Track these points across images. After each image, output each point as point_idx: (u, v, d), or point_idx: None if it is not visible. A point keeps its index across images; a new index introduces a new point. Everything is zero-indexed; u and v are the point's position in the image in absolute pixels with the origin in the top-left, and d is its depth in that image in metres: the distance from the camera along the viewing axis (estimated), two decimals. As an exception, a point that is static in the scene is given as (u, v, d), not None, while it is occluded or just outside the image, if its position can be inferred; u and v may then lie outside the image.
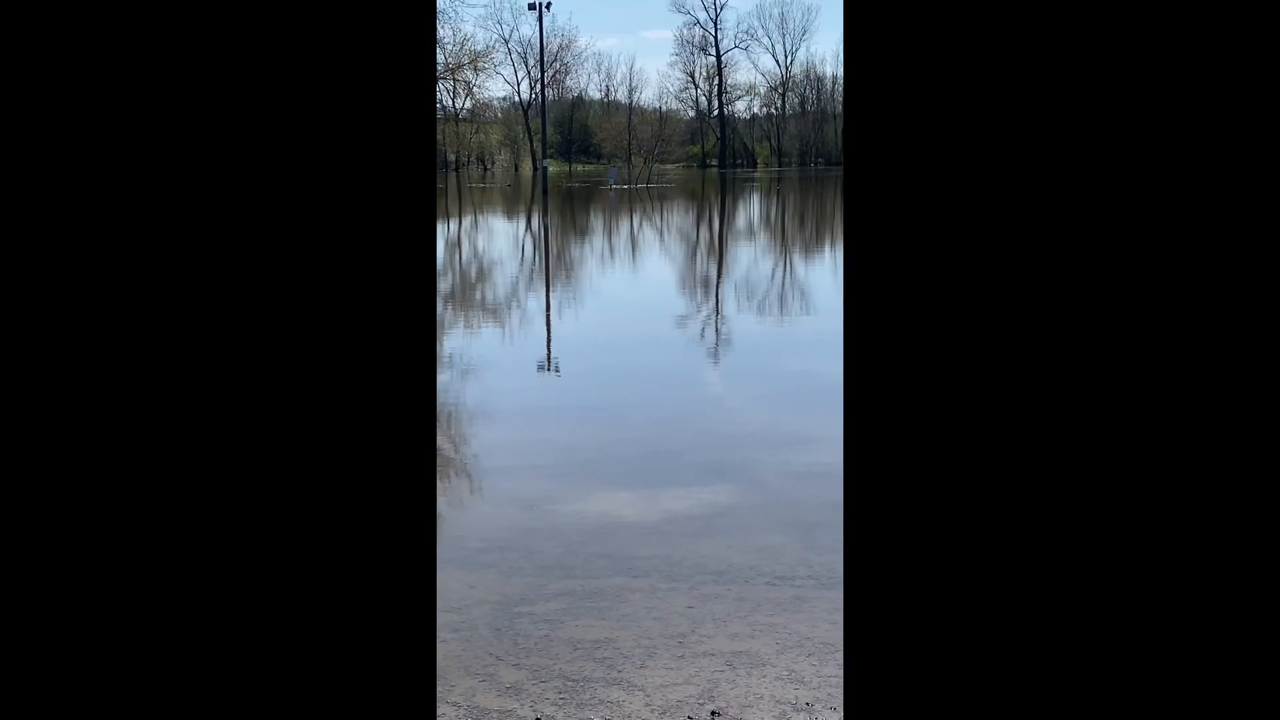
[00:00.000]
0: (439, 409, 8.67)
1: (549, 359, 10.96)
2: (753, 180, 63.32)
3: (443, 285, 17.90)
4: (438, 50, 61.08)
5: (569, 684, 3.74)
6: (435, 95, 1.80)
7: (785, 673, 3.81)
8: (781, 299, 15.64)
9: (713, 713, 3.54)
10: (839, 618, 4.31)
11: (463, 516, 5.80)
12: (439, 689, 3.75)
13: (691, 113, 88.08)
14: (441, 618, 4.33)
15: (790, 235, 27.98)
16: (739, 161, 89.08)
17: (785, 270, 19.41)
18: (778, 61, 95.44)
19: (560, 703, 3.61)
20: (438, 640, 4.11)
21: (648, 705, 3.59)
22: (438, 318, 14.01)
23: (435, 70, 1.79)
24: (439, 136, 58.87)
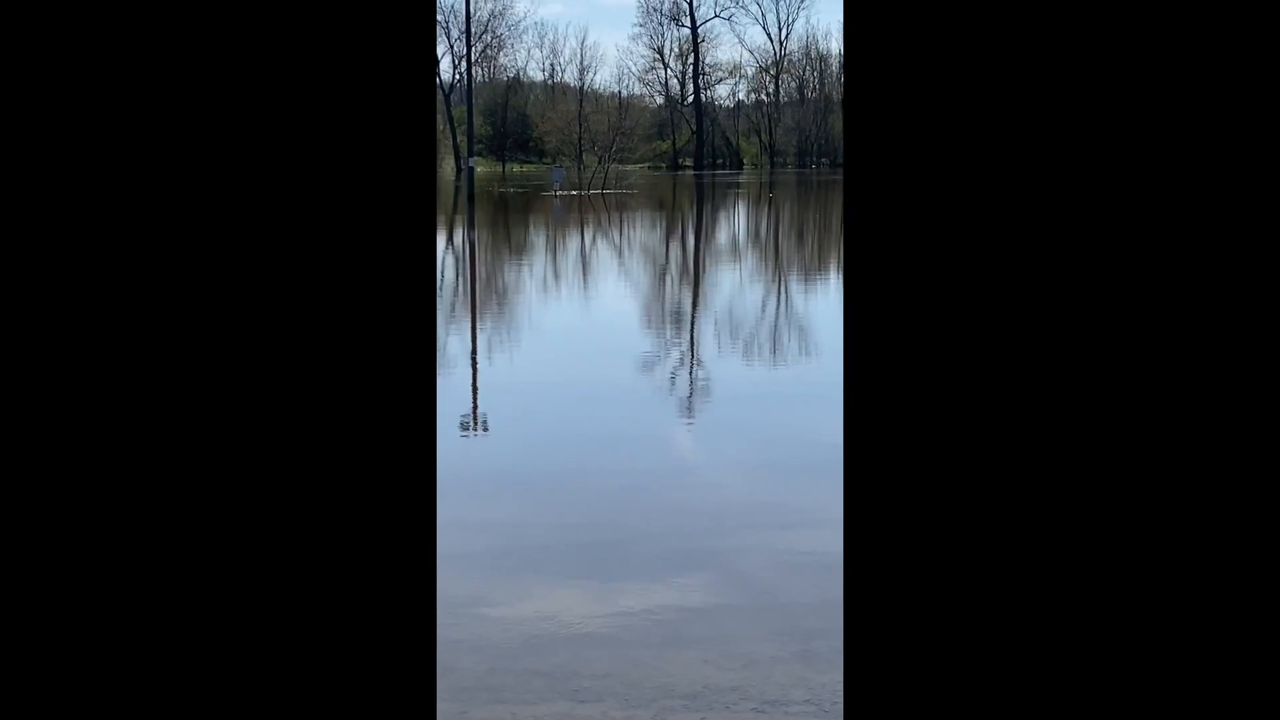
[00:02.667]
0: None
1: (474, 414, 10.96)
2: (738, 186, 63.98)
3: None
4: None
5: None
6: (435, 92, 2.25)
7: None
8: (774, 340, 15.75)
9: None
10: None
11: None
12: None
13: (660, 99, 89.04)
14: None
15: (786, 259, 28.24)
16: (720, 161, 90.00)
17: (779, 303, 19.57)
18: (769, 35, 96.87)
19: None
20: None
21: None
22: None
23: (435, 67, 2.17)
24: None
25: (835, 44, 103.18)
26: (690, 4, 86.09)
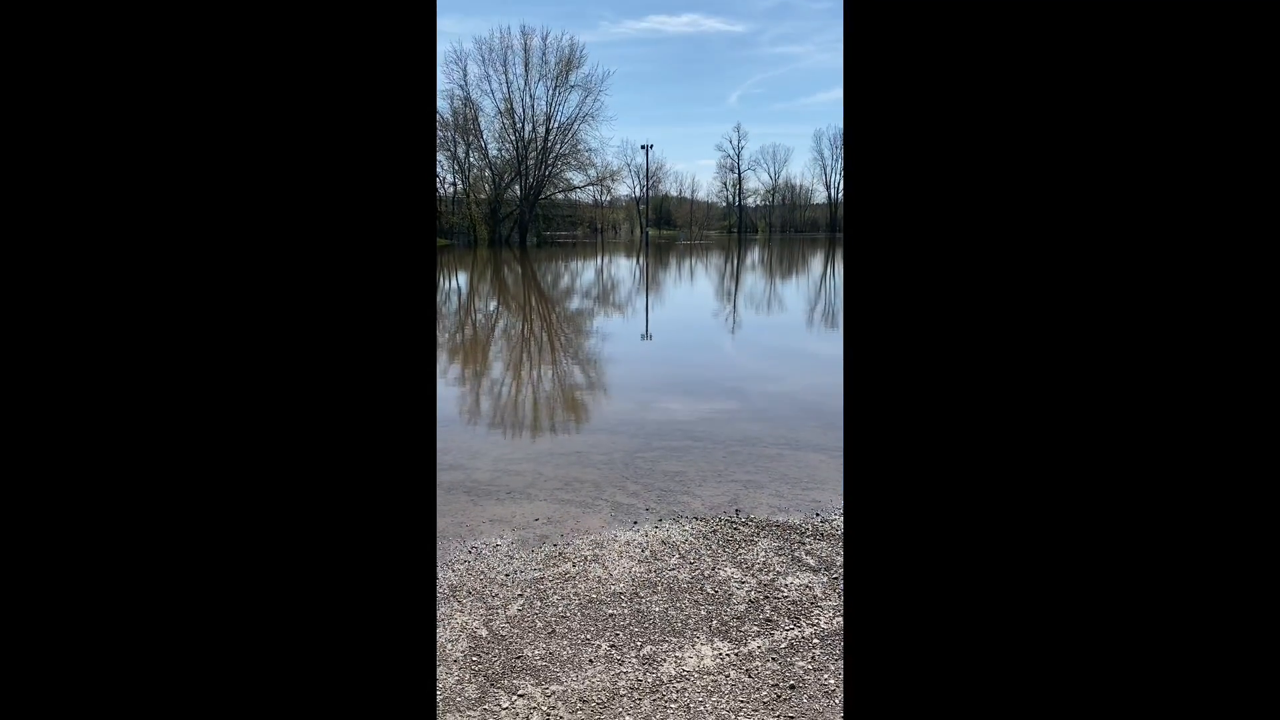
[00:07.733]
0: (597, 354, 8.37)
1: (646, 331, 10.90)
2: (754, 239, 62.03)
3: (592, 292, 17.81)
4: (594, 167, 44.31)
5: (661, 493, 3.86)
6: (435, 101, 1.09)
7: (773, 494, 3.87)
8: (770, 308, 14.63)
9: (736, 510, 3.65)
10: (817, 468, 4.26)
11: (606, 417, 5.85)
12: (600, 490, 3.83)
13: (724, 203, 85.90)
14: (596, 455, 4.50)
15: (779, 268, 27.21)
16: (748, 230, 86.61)
17: (769, 293, 18.72)
18: (770, 175, 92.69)
19: (656, 501, 3.74)
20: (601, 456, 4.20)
21: (702, 504, 3.70)
22: (585, 320, 11.68)
23: (435, 76, 1.07)
24: (596, 219, 52.25)
25: (797, 180, 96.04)
26: (738, 163, 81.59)
